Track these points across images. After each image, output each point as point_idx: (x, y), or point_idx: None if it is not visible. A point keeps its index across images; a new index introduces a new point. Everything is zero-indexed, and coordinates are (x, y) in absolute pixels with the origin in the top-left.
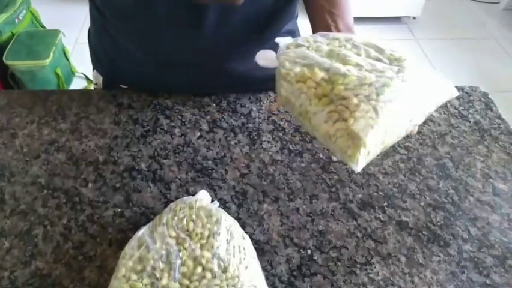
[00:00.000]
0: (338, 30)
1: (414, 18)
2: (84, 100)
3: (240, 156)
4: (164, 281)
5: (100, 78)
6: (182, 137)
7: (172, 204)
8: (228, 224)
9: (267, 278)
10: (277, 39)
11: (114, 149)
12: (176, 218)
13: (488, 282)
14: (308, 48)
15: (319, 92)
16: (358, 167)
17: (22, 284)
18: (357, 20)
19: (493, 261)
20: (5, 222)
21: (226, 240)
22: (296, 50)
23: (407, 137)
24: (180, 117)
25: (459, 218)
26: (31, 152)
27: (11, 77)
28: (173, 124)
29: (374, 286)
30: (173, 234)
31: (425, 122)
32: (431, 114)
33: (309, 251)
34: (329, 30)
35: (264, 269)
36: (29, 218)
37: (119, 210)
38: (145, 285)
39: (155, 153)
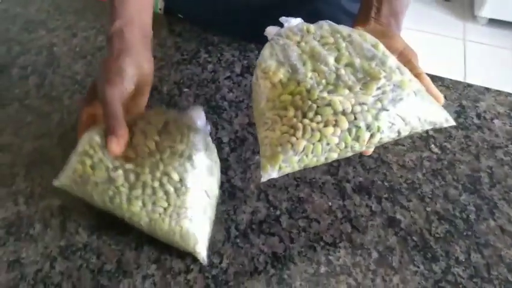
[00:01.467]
0: (379, 12)
1: None
2: None
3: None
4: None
5: (163, 4)
6: (212, 73)
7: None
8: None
9: (224, 222)
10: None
11: None
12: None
13: None
14: (299, 42)
15: (269, 94)
16: (263, 178)
17: (25, 153)
18: (497, 22)
19: None
20: (35, 101)
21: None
22: (283, 41)
23: (448, 137)
24: (219, 55)
25: (465, 238)
26: (81, 52)
27: None
28: (209, 59)
29: (329, 269)
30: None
31: (479, 128)
32: (493, 122)
33: (278, 212)
34: (370, 10)
35: (226, 212)
36: (54, 104)
37: None
38: None
39: (181, 81)
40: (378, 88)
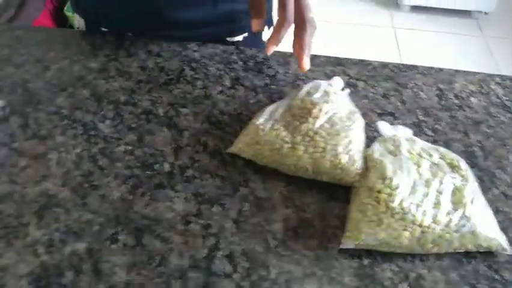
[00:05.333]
0: None
1: (486, 13)
2: (117, 43)
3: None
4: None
5: (82, 21)
6: (204, 89)
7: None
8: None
9: (260, 233)
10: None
11: (136, 92)
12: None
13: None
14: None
15: (372, 184)
16: (343, 246)
17: (30, 200)
18: (419, 8)
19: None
20: (24, 144)
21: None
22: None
23: (437, 119)
24: (205, 71)
25: None
26: (60, 84)
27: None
28: (197, 76)
29: (371, 259)
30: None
31: (460, 107)
32: (469, 100)
33: (308, 215)
34: None
35: (258, 224)
36: (47, 143)
37: (130, 148)
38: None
39: (174, 101)
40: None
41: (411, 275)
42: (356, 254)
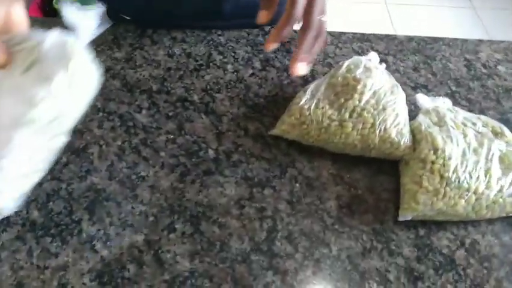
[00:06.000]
0: None
1: None
2: (139, 32)
3: (293, 95)
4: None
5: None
6: (235, 73)
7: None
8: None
9: (315, 212)
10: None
11: (167, 80)
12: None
13: None
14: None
15: (425, 156)
16: (401, 218)
17: (78, 196)
18: None
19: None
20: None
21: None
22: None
23: (469, 89)
24: (233, 54)
25: None
26: None
27: None
28: (226, 60)
29: (426, 229)
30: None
31: (489, 76)
32: (497, 69)
33: (359, 191)
34: None
35: (312, 204)
36: (85, 137)
37: (171, 136)
38: None
39: (208, 87)
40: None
41: (467, 241)
42: (411, 225)
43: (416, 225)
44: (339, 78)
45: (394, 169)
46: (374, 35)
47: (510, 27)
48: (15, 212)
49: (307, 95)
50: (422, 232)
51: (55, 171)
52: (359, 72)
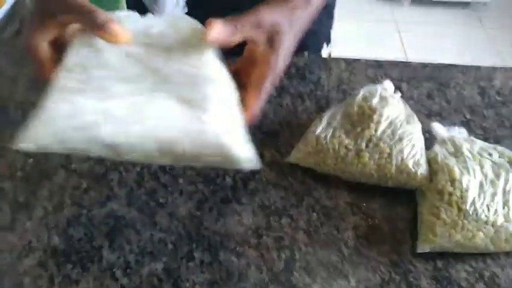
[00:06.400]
0: None
1: (484, 4)
2: None
3: (308, 122)
4: None
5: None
6: None
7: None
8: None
9: (333, 243)
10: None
11: None
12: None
13: None
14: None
15: (443, 187)
16: (419, 250)
17: (99, 222)
18: (419, 2)
19: None
20: (83, 165)
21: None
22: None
23: (483, 117)
24: None
25: None
26: None
27: None
28: None
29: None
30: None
31: (503, 104)
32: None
33: (376, 221)
34: None
35: (330, 233)
36: (106, 163)
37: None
38: None
39: None
40: None
41: (486, 274)
42: (429, 256)
43: (434, 256)
44: (355, 107)
45: (410, 198)
46: (387, 61)
47: None
48: (36, 238)
49: (324, 124)
50: (440, 264)
51: (75, 197)
52: (375, 102)
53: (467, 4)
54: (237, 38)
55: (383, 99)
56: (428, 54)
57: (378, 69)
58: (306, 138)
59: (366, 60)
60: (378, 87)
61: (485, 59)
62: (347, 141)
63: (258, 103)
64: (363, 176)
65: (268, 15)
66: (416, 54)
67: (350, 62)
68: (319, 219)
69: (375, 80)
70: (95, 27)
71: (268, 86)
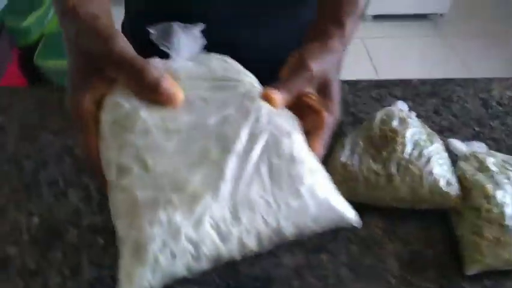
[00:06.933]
0: (324, 23)
1: (441, 15)
2: None
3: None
4: None
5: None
6: None
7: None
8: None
9: (378, 274)
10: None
11: None
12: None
13: None
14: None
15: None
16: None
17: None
18: (381, 17)
19: None
20: (94, 219)
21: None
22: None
23: (491, 128)
24: None
25: None
26: None
27: (42, 78)
28: None
29: None
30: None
31: (507, 113)
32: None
33: (415, 246)
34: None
35: (373, 265)
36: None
37: None
38: None
39: None
40: None
41: None
42: (476, 277)
43: (481, 277)
44: (377, 131)
45: (443, 218)
46: (387, 80)
47: (481, 52)
48: None
49: (346, 150)
50: (488, 284)
51: (93, 256)
52: (395, 124)
53: (424, 16)
54: (291, 99)
55: (402, 120)
56: (396, 67)
57: (381, 89)
58: (332, 167)
59: (367, 81)
60: (395, 109)
61: (448, 66)
62: (375, 166)
63: (323, 151)
64: (395, 200)
65: (317, 66)
66: (385, 68)
67: (351, 84)
68: (359, 251)
69: (380, 100)
70: (145, 89)
71: (331, 134)
